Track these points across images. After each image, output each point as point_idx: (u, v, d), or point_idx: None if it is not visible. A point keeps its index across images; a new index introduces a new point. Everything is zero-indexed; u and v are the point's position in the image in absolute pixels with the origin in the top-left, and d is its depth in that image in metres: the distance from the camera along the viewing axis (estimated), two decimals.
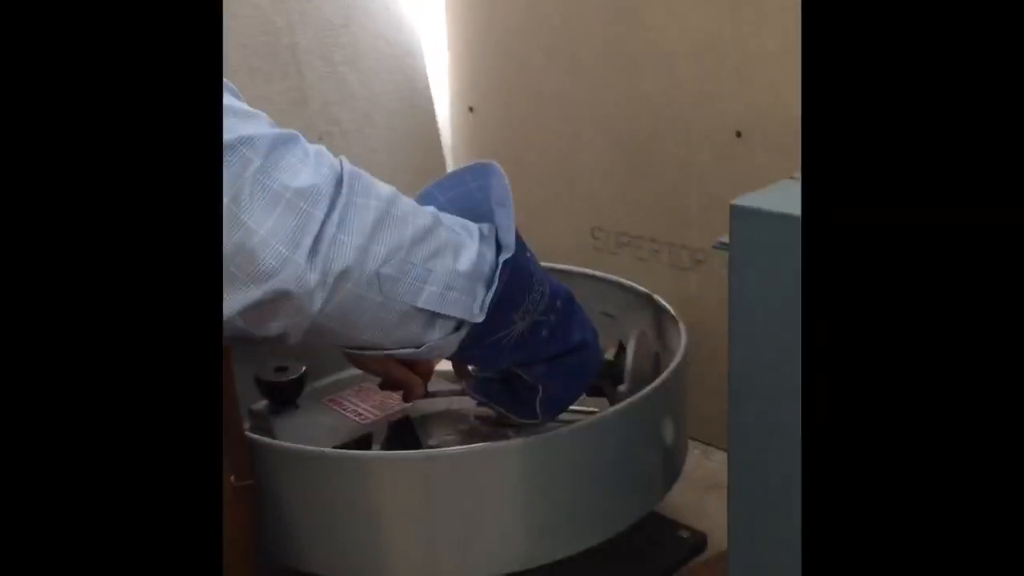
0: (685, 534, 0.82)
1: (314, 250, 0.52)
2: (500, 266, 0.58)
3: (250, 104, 0.53)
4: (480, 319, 0.58)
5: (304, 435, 0.78)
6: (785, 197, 0.48)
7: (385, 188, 0.56)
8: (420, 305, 0.56)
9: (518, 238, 0.61)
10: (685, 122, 0.91)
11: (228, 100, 0.50)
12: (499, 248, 0.60)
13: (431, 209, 0.59)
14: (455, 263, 0.57)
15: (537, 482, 0.67)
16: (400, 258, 0.55)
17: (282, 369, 0.81)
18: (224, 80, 0.50)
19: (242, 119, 0.51)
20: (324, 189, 0.52)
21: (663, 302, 0.84)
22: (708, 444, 0.97)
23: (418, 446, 0.78)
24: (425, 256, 0.56)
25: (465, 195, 0.64)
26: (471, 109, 1.10)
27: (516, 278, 0.59)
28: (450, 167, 1.12)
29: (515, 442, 0.67)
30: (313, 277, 0.52)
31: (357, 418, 0.85)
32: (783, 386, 0.50)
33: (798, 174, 0.52)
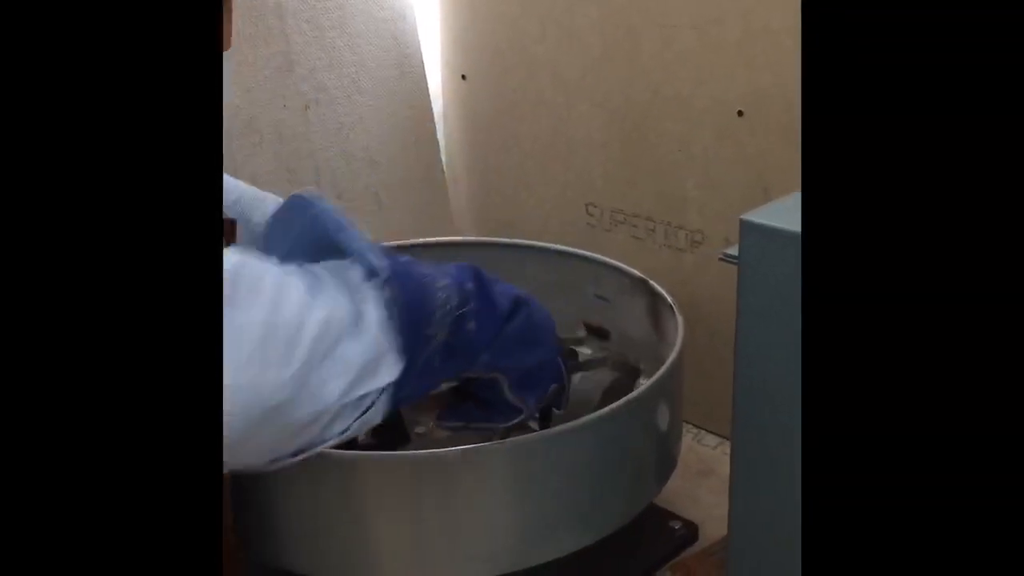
0: (676, 525, 0.81)
1: None
2: (383, 288, 0.51)
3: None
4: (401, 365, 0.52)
5: None
6: (796, 212, 0.46)
7: None
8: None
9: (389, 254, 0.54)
10: (684, 98, 0.88)
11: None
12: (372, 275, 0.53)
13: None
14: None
15: (529, 482, 0.65)
16: None
17: None
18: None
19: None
20: None
21: (659, 288, 0.81)
22: (700, 428, 0.96)
23: (405, 435, 0.76)
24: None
25: (306, 231, 0.56)
26: (464, 77, 1.06)
27: (407, 292, 0.52)
28: (441, 137, 1.09)
29: (506, 442, 0.65)
30: None
31: None
32: (790, 400, 0.48)
33: None
